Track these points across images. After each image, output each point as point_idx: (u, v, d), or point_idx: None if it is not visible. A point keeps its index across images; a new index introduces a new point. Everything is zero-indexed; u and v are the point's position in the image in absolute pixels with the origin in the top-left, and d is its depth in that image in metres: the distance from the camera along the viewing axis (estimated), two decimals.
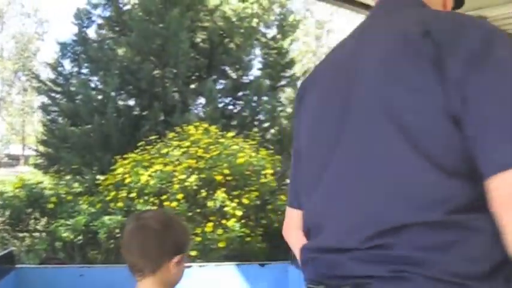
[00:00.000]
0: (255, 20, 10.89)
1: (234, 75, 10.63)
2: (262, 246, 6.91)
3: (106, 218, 6.20)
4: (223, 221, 6.41)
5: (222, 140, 7.24)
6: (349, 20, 23.77)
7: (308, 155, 1.47)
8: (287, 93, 12.00)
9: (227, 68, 10.66)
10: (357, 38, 1.43)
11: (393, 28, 1.31)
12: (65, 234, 6.26)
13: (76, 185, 8.06)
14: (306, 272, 1.42)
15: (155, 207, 6.33)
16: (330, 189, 1.35)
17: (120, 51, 9.98)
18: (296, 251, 1.53)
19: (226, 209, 6.40)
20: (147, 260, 2.03)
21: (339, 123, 1.33)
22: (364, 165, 1.26)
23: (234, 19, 10.54)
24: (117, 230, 6.33)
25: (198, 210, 6.47)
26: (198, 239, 6.15)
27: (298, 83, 11.89)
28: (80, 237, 6.37)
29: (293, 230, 1.57)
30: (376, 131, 1.24)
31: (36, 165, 10.62)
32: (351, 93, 1.31)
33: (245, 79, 10.72)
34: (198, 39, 10.38)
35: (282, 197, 7.43)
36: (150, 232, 2.04)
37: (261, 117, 10.56)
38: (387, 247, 1.19)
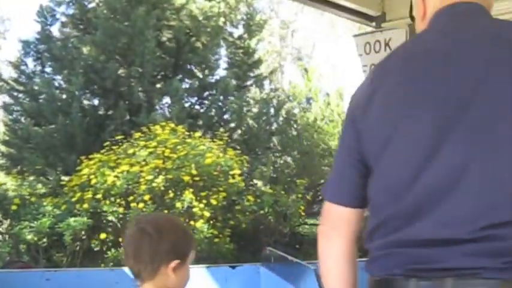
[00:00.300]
0: (222, 19, 10.82)
1: (200, 75, 10.53)
2: (230, 247, 6.87)
3: (71, 220, 6.08)
4: (191, 222, 6.35)
5: (189, 140, 7.17)
6: (314, 20, 23.82)
7: (398, 148, 1.47)
8: (253, 93, 11.95)
9: (193, 68, 10.57)
10: (450, 38, 1.50)
11: (486, 32, 1.48)
12: (29, 237, 6.12)
13: (40, 186, 7.90)
14: (381, 265, 1.47)
15: (121, 209, 6.24)
16: (439, 181, 1.36)
17: (85, 50, 9.81)
18: (335, 247, 1.62)
19: (194, 210, 6.34)
20: (143, 265, 1.99)
21: (449, 113, 1.37)
22: (486, 158, 1.32)
23: (200, 18, 10.44)
24: (83, 232, 6.22)
25: (166, 211, 6.38)
26: None
27: (265, 83, 11.87)
28: (45, 240, 6.24)
29: (341, 229, 1.63)
30: (502, 125, 1.32)
31: None
32: (462, 90, 1.38)
33: (211, 79, 10.63)
34: (164, 38, 10.25)
35: (250, 197, 7.40)
36: (145, 237, 2.01)
37: (228, 117, 10.50)
38: (501, 239, 1.26)
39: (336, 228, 1.64)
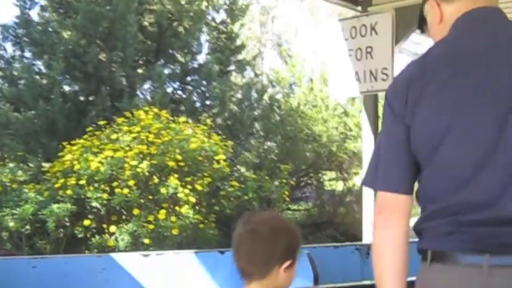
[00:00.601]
0: (204, 3, 10.69)
1: (182, 60, 10.42)
2: (215, 233, 6.82)
3: (55, 207, 5.99)
4: (176, 208, 6.29)
5: (173, 125, 7.09)
6: (294, 6, 23.75)
7: (460, 140, 1.66)
8: (237, 78, 11.87)
9: (176, 52, 10.45)
10: (489, 39, 1.72)
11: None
12: (11, 224, 6.02)
13: (20, 173, 7.78)
14: (450, 242, 1.66)
15: (106, 195, 6.16)
16: (505, 170, 1.59)
17: (65, 34, 9.64)
18: (396, 235, 1.75)
19: (179, 195, 6.28)
20: (256, 265, 2.02)
21: (503, 111, 1.60)
22: None
23: (182, 2, 10.31)
24: (66, 219, 6.13)
25: (150, 197, 6.33)
26: (151, 226, 6.03)
27: (248, 68, 11.79)
28: (27, 227, 6.14)
29: (402, 217, 1.76)
30: None
31: None
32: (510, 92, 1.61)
33: (194, 64, 10.53)
34: (146, 23, 10.12)
35: (234, 183, 7.35)
36: (259, 238, 2.02)
37: (210, 102, 10.42)
38: None
39: (397, 216, 1.76)
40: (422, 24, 2.08)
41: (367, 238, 5.84)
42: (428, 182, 1.73)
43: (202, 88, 10.20)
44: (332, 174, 12.03)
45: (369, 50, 5.63)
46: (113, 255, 3.79)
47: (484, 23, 1.77)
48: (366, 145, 5.95)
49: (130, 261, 3.82)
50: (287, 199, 8.87)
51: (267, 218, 2.17)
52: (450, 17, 1.83)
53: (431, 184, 1.72)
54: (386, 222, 1.77)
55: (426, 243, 1.73)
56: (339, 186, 11.99)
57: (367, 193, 5.90)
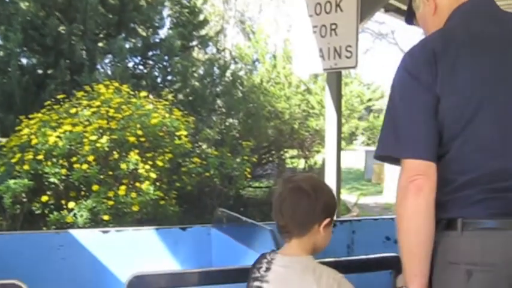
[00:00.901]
0: None
1: (144, 34, 10.25)
2: (175, 209, 6.76)
3: (11, 182, 5.83)
4: (137, 184, 6.20)
5: (133, 100, 6.97)
6: None
7: (491, 115, 1.84)
8: (199, 54, 11.75)
9: (137, 26, 10.26)
10: (494, 20, 1.99)
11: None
12: None
13: None
14: (483, 209, 1.82)
15: (64, 170, 6.03)
16: None
17: (23, 5, 9.38)
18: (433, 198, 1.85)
19: (139, 171, 6.19)
20: (297, 222, 2.12)
21: None
22: None
23: None
24: (24, 195, 5.99)
25: (110, 173, 6.21)
26: (111, 202, 5.93)
27: (211, 44, 11.67)
28: None
29: (431, 184, 1.85)
30: None
31: None
32: None
33: (156, 38, 10.37)
34: None
35: (196, 159, 7.29)
36: (303, 194, 2.11)
37: (172, 77, 10.29)
38: None
39: (430, 184, 1.85)
40: (411, 17, 2.32)
41: None
42: (458, 154, 1.86)
43: (164, 63, 10.06)
44: (294, 151, 12.05)
45: (333, 27, 5.59)
46: (71, 231, 3.71)
47: (487, 10, 2.01)
48: (329, 123, 5.93)
49: (89, 238, 3.74)
50: (249, 176, 8.84)
51: (308, 177, 2.26)
52: (445, 9, 2.05)
53: (463, 156, 1.86)
54: (420, 191, 1.83)
55: (455, 212, 1.87)
56: (301, 163, 12.02)
57: (330, 171, 5.90)
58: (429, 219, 1.85)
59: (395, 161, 1.96)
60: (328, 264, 2.83)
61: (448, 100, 1.86)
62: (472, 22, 1.97)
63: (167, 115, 6.98)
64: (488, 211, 1.82)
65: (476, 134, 1.84)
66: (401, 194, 1.88)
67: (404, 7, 7.28)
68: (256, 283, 2.19)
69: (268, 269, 2.18)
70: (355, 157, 28.23)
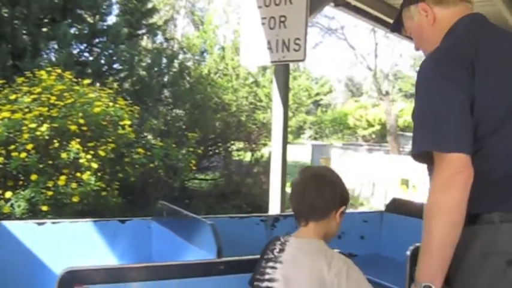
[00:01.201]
0: None
1: (90, 20, 10.00)
2: (117, 201, 6.61)
3: None
4: (78, 174, 6.03)
5: (76, 88, 6.78)
6: None
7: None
8: (148, 44, 11.55)
9: (83, 12, 10.00)
10: (502, 34, 2.22)
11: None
12: None
13: None
14: (509, 202, 2.00)
15: (1, 158, 5.82)
16: None
17: None
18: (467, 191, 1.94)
19: (80, 161, 6.01)
20: (319, 207, 2.30)
21: None
22: None
23: None
24: None
25: (50, 162, 6.02)
26: (50, 193, 5.75)
27: (159, 33, 11.49)
28: None
29: (470, 178, 1.94)
30: None
31: None
32: None
33: (102, 25, 10.13)
34: None
35: (140, 150, 7.15)
36: (327, 182, 2.33)
37: (118, 66, 10.09)
38: None
39: (470, 178, 1.94)
40: (399, 26, 2.47)
41: (273, 209, 5.80)
42: (495, 149, 2.00)
43: (110, 51, 9.84)
44: (240, 144, 11.99)
45: (282, 19, 5.53)
46: (4, 223, 3.55)
47: (492, 24, 2.23)
48: (275, 116, 5.88)
49: (23, 229, 3.59)
50: (194, 168, 8.74)
51: (328, 168, 2.56)
52: (445, 20, 2.23)
53: (499, 151, 2.00)
54: (466, 184, 1.93)
55: (492, 206, 2.00)
56: (247, 156, 11.98)
57: (275, 164, 5.85)
58: (465, 212, 1.95)
59: (429, 159, 2.04)
60: None
61: (484, 98, 1.99)
62: (485, 31, 2.17)
63: (111, 104, 6.82)
64: None
65: None
66: (444, 186, 1.94)
67: (354, 2, 7.30)
68: (270, 263, 2.31)
69: (282, 250, 2.32)
70: (302, 151, 28.37)
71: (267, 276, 2.29)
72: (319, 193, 2.30)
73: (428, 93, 2.06)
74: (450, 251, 1.94)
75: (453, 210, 1.93)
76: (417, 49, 2.46)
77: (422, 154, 2.06)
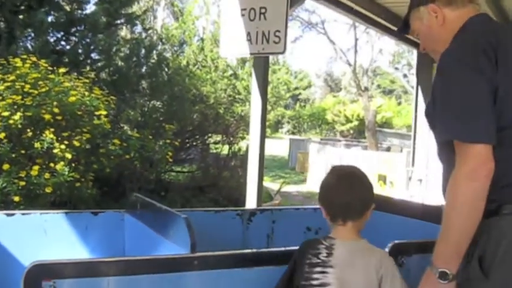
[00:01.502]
0: None
1: (68, 8, 9.84)
2: (92, 192, 6.50)
3: None
4: (51, 164, 5.92)
5: (52, 76, 6.65)
6: None
7: None
8: (127, 35, 11.41)
9: (61, 0, 9.84)
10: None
11: None
12: None
13: None
14: None
15: None
16: None
17: None
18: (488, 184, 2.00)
19: (54, 151, 5.90)
20: (358, 207, 2.36)
21: None
22: None
23: None
24: None
25: (23, 152, 5.90)
26: (22, 183, 5.63)
27: (138, 23, 11.35)
28: None
29: (492, 168, 2.01)
30: None
31: None
32: None
33: (80, 14, 9.97)
34: None
35: (116, 141, 7.05)
36: (364, 182, 2.42)
37: (96, 55, 9.95)
38: None
39: (491, 169, 2.00)
40: (406, 28, 2.53)
41: (249, 203, 5.75)
42: None
43: (88, 40, 9.70)
44: (218, 137, 11.92)
45: (262, 10, 5.47)
46: None
47: (496, 21, 2.35)
48: (254, 109, 5.82)
49: None
50: (170, 160, 8.66)
51: (356, 167, 2.55)
52: (455, 21, 2.29)
53: None
54: (488, 176, 1.99)
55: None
56: (225, 149, 11.91)
57: (253, 157, 5.79)
58: (484, 205, 2.02)
59: (451, 148, 2.10)
60: (247, 256, 2.71)
61: (507, 87, 2.04)
62: (498, 26, 2.32)
63: (87, 93, 6.70)
64: None
65: None
66: (468, 178, 2.00)
67: None
68: (318, 269, 2.31)
69: (330, 254, 2.32)
70: (280, 145, 28.38)
71: (316, 282, 2.31)
72: (359, 193, 2.38)
73: (452, 83, 2.11)
74: (467, 240, 2.02)
75: (475, 202, 2.00)
76: (423, 50, 2.52)
77: (444, 144, 2.16)
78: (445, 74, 2.16)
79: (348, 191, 2.37)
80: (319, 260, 2.33)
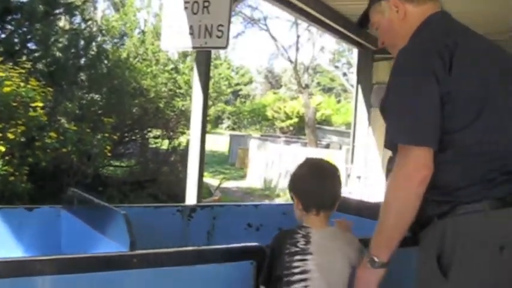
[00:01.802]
0: None
1: None
2: (27, 187, 6.32)
3: None
4: None
5: None
6: None
7: (495, 105, 2.10)
8: (66, 26, 11.12)
9: None
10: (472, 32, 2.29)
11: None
12: None
13: None
14: (506, 188, 2.06)
15: None
16: None
17: None
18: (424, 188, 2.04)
19: None
20: (331, 198, 2.45)
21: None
22: None
23: None
24: None
25: None
26: None
27: (77, 13, 11.09)
28: None
29: (431, 172, 2.03)
30: None
31: None
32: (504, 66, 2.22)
33: (16, 2, 9.69)
34: None
35: (52, 133, 6.87)
36: (338, 176, 2.50)
37: (32, 45, 9.69)
38: None
39: (428, 176, 2.03)
40: (366, 21, 2.55)
41: (190, 199, 5.68)
42: (480, 138, 2.06)
43: (24, 29, 9.43)
44: (158, 131, 11.78)
45: (206, 4, 5.39)
46: None
47: (456, 20, 2.31)
48: (195, 103, 5.75)
49: None
50: (109, 154, 8.51)
51: (328, 161, 2.63)
52: (416, 16, 2.30)
53: (484, 143, 2.06)
54: (424, 182, 2.03)
55: (480, 194, 2.05)
56: (164, 144, 11.78)
57: (193, 153, 5.73)
58: (418, 206, 2.06)
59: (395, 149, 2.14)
60: (188, 253, 2.65)
61: (464, 89, 2.05)
62: (458, 26, 2.28)
63: (22, 84, 6.51)
64: (509, 191, 2.06)
65: (488, 127, 2.06)
66: (405, 180, 2.05)
67: None
68: (298, 257, 2.35)
69: (308, 242, 2.37)
70: (220, 141, 28.34)
71: (297, 270, 2.35)
72: (338, 185, 2.48)
73: (402, 85, 2.13)
74: (398, 236, 2.11)
75: (408, 203, 2.06)
76: (382, 44, 2.53)
77: (395, 145, 2.16)
78: (397, 74, 2.17)
79: (322, 183, 2.45)
80: (298, 249, 2.38)
